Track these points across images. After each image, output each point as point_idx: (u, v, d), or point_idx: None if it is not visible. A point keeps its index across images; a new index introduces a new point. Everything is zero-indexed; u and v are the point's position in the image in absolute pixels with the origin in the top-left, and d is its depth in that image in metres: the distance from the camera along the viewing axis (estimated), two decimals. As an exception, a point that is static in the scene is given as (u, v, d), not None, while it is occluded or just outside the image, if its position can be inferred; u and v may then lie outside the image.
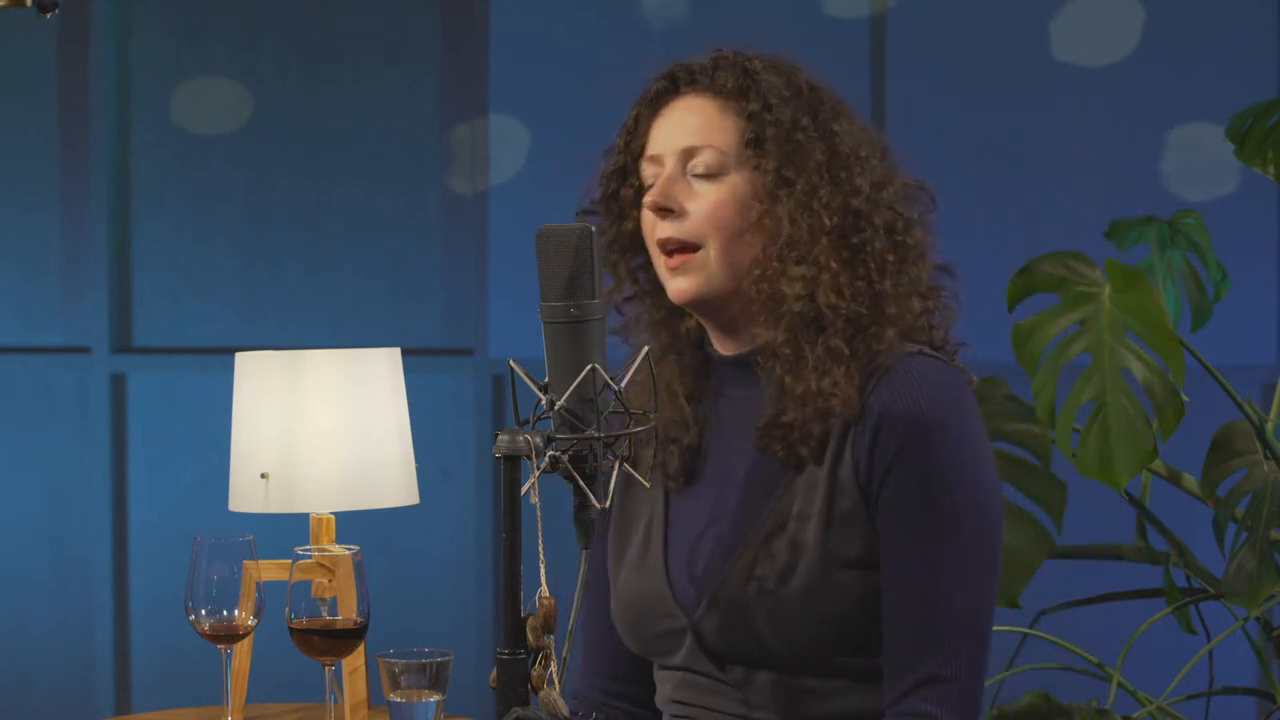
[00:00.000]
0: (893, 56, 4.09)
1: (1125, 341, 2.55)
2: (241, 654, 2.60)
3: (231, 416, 2.69)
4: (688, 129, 1.96)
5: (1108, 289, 2.60)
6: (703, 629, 1.95)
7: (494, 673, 1.67)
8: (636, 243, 2.02)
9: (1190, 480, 2.84)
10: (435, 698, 1.96)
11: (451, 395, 4.36)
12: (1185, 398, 2.53)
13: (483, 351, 4.35)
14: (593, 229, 1.73)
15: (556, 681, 1.68)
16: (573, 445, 1.70)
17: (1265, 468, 2.72)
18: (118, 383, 4.49)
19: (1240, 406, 2.74)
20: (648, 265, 2.02)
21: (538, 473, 1.68)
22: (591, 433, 1.70)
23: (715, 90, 1.96)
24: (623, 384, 1.73)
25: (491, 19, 4.33)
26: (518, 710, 1.64)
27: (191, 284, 4.48)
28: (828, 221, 1.92)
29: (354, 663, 2.59)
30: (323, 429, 2.62)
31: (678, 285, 1.95)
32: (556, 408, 1.70)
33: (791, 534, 1.91)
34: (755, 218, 1.93)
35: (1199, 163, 3.95)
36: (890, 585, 1.89)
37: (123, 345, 4.49)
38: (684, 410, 2.02)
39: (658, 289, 2.02)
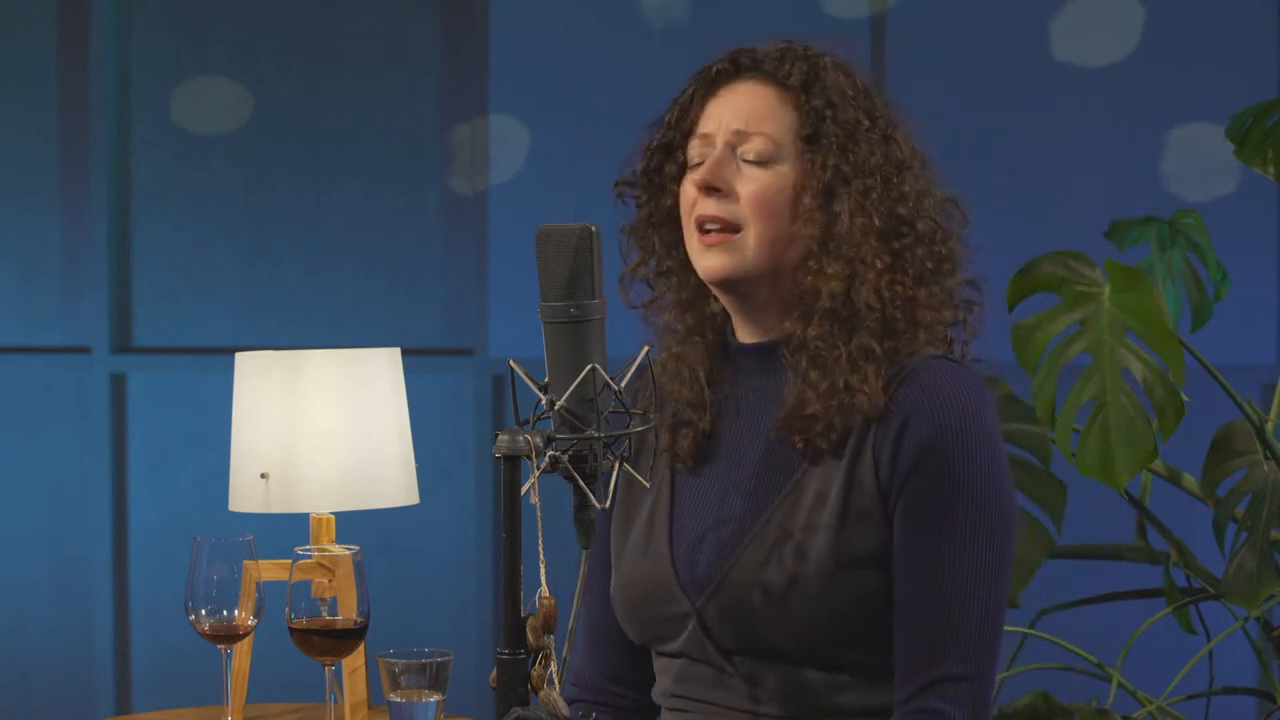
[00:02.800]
0: (893, 56, 4.09)
1: (1125, 341, 2.55)
2: (241, 654, 2.60)
3: (231, 416, 2.69)
4: (743, 113, 1.95)
5: (1108, 289, 2.60)
6: (706, 615, 1.95)
7: (494, 673, 1.67)
8: (672, 219, 2.01)
9: (1190, 480, 2.83)
10: (435, 698, 1.96)
11: (451, 395, 4.36)
12: (1185, 398, 2.53)
13: (483, 351, 4.34)
14: (592, 229, 1.73)
15: (556, 681, 1.68)
16: (573, 445, 1.70)
17: (1265, 468, 2.72)
18: (118, 383, 4.49)
19: (1240, 406, 2.74)
20: (679, 246, 2.01)
21: (538, 473, 1.68)
22: (591, 433, 1.70)
23: (778, 80, 1.96)
24: (622, 384, 1.73)
25: (491, 19, 4.33)
26: (518, 710, 1.64)
27: (191, 284, 4.48)
28: (877, 223, 1.92)
29: (354, 663, 2.59)
30: (323, 429, 2.62)
31: (710, 262, 1.95)
32: (556, 408, 1.70)
33: (802, 527, 1.92)
34: (804, 209, 1.93)
35: (1199, 163, 3.95)
36: (905, 584, 1.89)
37: (123, 345, 4.49)
38: (703, 393, 2.01)
39: (686, 268, 2.01)
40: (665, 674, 2.03)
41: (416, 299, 4.41)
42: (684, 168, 1.99)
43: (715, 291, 2.00)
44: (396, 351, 2.72)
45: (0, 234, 4.52)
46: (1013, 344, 2.65)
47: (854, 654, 1.92)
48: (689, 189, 1.96)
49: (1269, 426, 2.75)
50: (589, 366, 1.70)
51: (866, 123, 1.95)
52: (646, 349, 1.82)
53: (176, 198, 4.48)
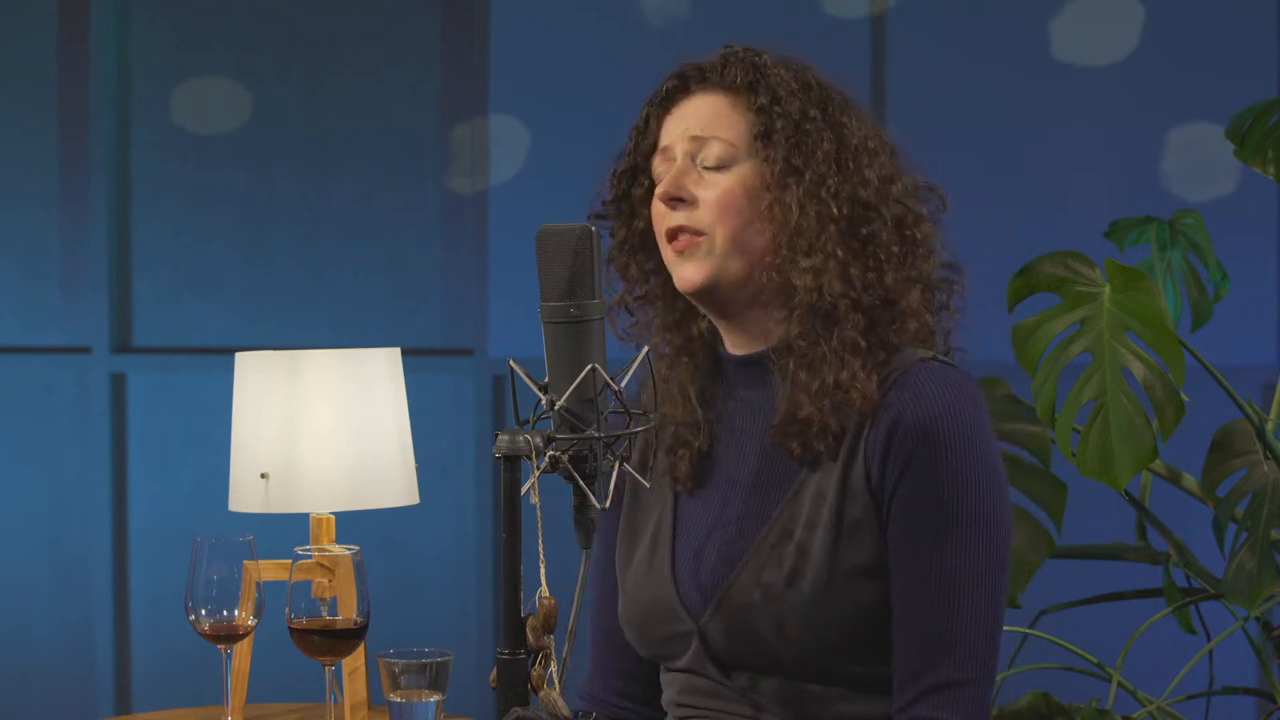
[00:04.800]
0: (893, 56, 4.09)
1: (1125, 341, 2.55)
2: (241, 654, 2.60)
3: (231, 416, 2.69)
4: (698, 121, 1.97)
5: (1108, 289, 2.60)
6: (708, 633, 1.96)
7: (494, 673, 1.67)
8: (647, 243, 2.03)
9: (1190, 480, 2.83)
10: (435, 698, 1.96)
11: (451, 395, 4.36)
12: (1185, 398, 2.53)
13: (483, 351, 4.34)
14: (593, 229, 1.73)
15: (556, 681, 1.68)
16: (573, 445, 1.70)
17: (1265, 468, 2.72)
18: (118, 383, 4.49)
19: (1240, 406, 2.74)
20: (659, 268, 2.03)
21: (538, 473, 1.68)
22: (591, 433, 1.70)
23: (725, 86, 1.98)
24: (623, 384, 1.73)
25: (491, 19, 4.33)
26: (518, 710, 1.64)
27: (191, 284, 4.48)
28: (836, 210, 1.93)
29: (354, 663, 2.59)
30: (323, 429, 2.62)
31: (684, 271, 1.96)
32: (556, 408, 1.70)
33: (799, 540, 1.91)
34: (764, 206, 1.94)
35: (1199, 163, 3.95)
36: (901, 591, 1.89)
37: (123, 345, 4.49)
38: (695, 413, 2.02)
39: (670, 291, 2.03)
40: (671, 685, 2.04)
41: (416, 299, 4.41)
42: (650, 191, 2.01)
43: (697, 304, 2.01)
44: (396, 351, 2.72)
45: (0, 234, 4.52)
46: (1013, 344, 2.65)
47: (853, 666, 1.92)
48: (658, 205, 1.98)
49: (1269, 426, 2.75)
50: (589, 366, 1.70)
51: (814, 112, 1.96)
52: (647, 349, 1.81)
53: (176, 198, 4.48)
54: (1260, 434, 2.73)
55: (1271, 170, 2.82)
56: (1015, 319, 2.68)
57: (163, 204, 4.49)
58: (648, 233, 2.02)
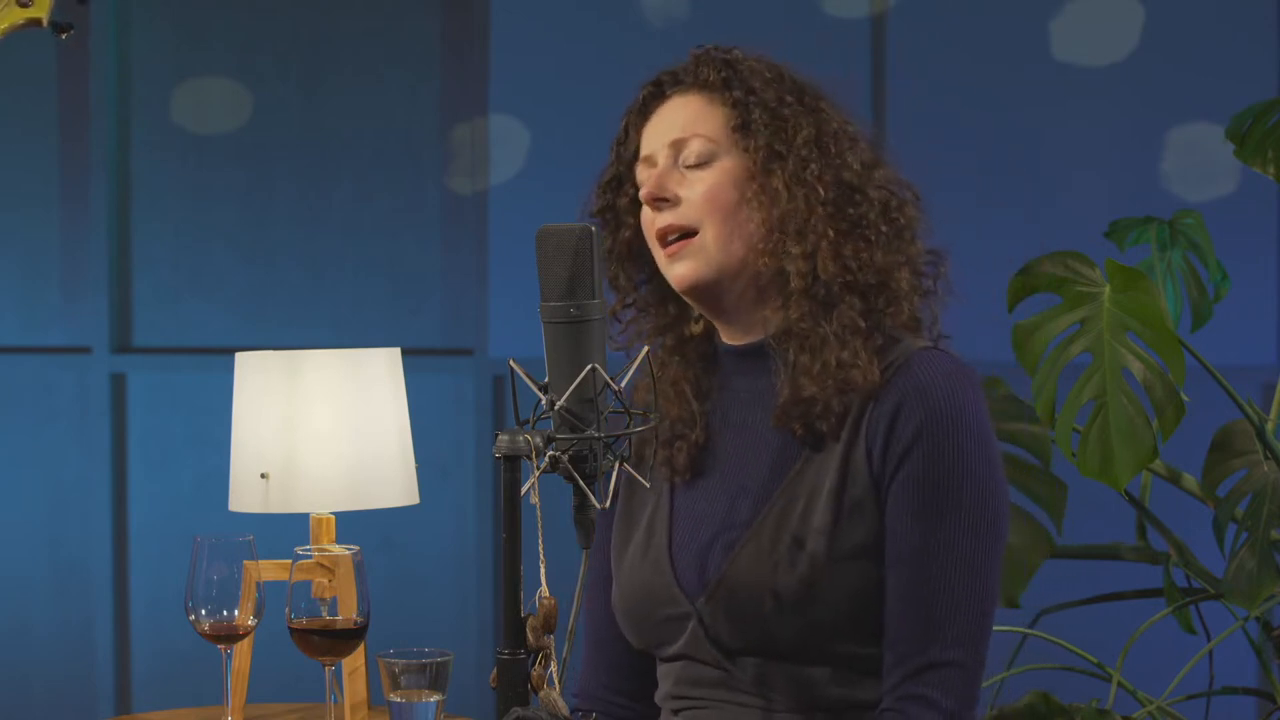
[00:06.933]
0: (893, 56, 4.09)
1: (1125, 341, 2.55)
2: (241, 654, 2.60)
3: (231, 416, 2.69)
4: (676, 123, 1.99)
5: (1108, 289, 2.60)
6: (705, 614, 1.96)
7: (494, 673, 1.67)
8: (635, 252, 2.04)
9: (1190, 480, 2.84)
10: (435, 698, 1.96)
11: (451, 395, 4.36)
12: (1185, 398, 2.53)
13: (483, 351, 4.34)
14: (593, 229, 1.74)
15: (556, 681, 1.68)
16: (573, 445, 1.70)
17: (1265, 468, 2.72)
18: (118, 383, 4.49)
19: (1240, 406, 2.74)
20: (650, 276, 2.04)
21: (538, 473, 1.68)
22: (591, 433, 1.70)
23: (700, 85, 1.99)
24: (623, 384, 1.74)
25: (491, 19, 4.33)
26: (518, 710, 1.64)
27: (191, 284, 4.48)
28: (822, 192, 1.94)
29: (354, 663, 2.59)
30: (323, 429, 2.62)
31: (678, 271, 1.97)
32: (556, 408, 1.70)
33: (798, 522, 1.92)
34: (750, 194, 1.95)
35: (1199, 163, 3.95)
36: (895, 571, 1.90)
37: (123, 345, 4.49)
38: (691, 407, 2.03)
39: (661, 299, 2.05)
40: (666, 678, 2.04)
41: (416, 299, 4.41)
42: (635, 199, 2.03)
43: (692, 302, 2.02)
44: (396, 351, 2.72)
45: (0, 234, 4.52)
46: (1013, 344, 2.65)
47: (853, 647, 1.92)
48: (646, 211, 1.99)
49: (1269, 426, 2.75)
50: (589, 366, 1.70)
51: (790, 99, 1.98)
52: (646, 349, 1.82)
53: (176, 198, 4.48)
54: (1260, 434, 2.73)
55: (1271, 170, 2.82)
56: (1015, 319, 2.69)
57: (163, 204, 4.49)
58: (634, 242, 2.04)
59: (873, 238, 1.96)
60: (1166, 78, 3.96)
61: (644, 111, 2.03)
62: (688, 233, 1.96)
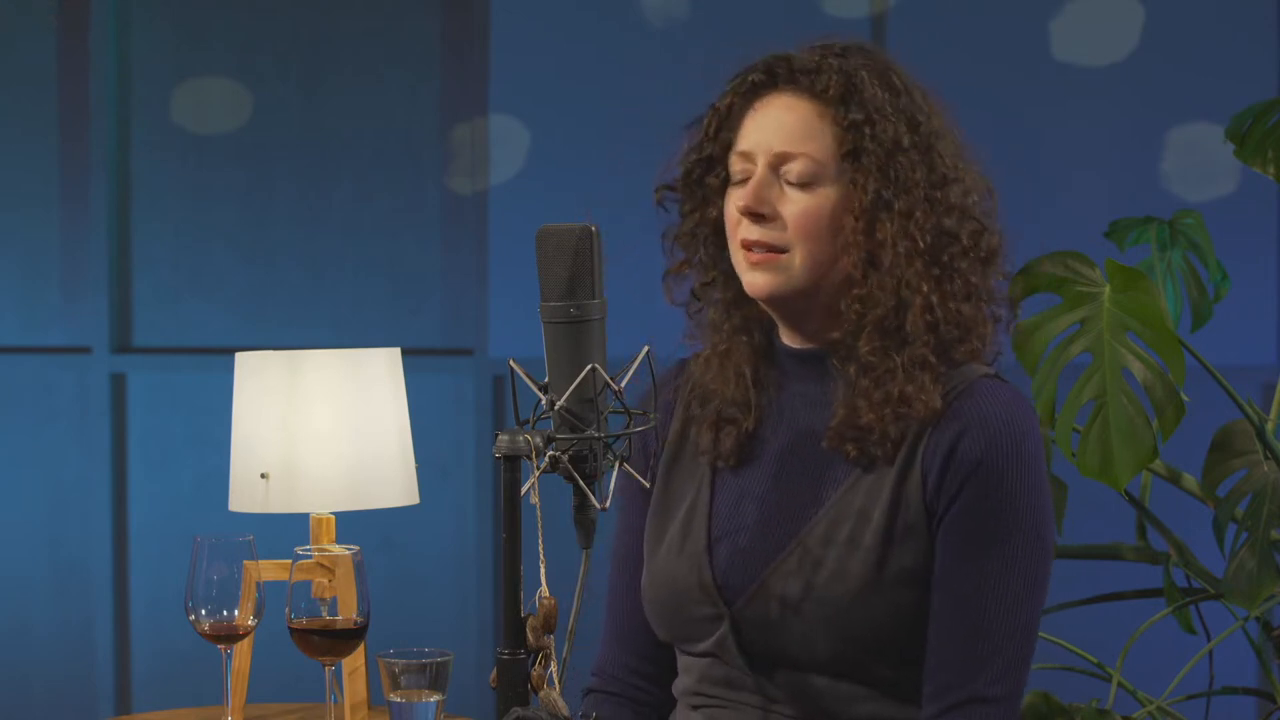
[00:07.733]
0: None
1: (1125, 341, 2.55)
2: (241, 654, 2.60)
3: (231, 416, 2.69)
4: (783, 131, 1.93)
5: (1108, 289, 2.60)
6: (740, 620, 1.94)
7: (494, 673, 1.67)
8: (716, 231, 1.99)
9: (1190, 480, 2.83)
10: (435, 698, 1.96)
11: (451, 395, 4.36)
12: (1185, 398, 2.53)
13: (483, 351, 4.34)
14: (593, 228, 1.73)
15: (556, 681, 1.68)
16: (573, 445, 1.70)
17: (1265, 468, 2.71)
18: (118, 383, 4.49)
19: (1240, 406, 2.74)
20: (726, 254, 1.99)
21: (538, 473, 1.68)
22: (591, 433, 1.70)
23: (815, 94, 1.93)
24: (623, 384, 1.73)
25: (491, 19, 4.33)
26: (518, 710, 1.64)
27: (191, 284, 4.48)
28: (921, 243, 1.91)
29: (354, 663, 2.59)
30: (323, 429, 2.62)
31: (755, 280, 1.93)
32: (556, 408, 1.70)
33: (847, 538, 1.91)
34: (849, 234, 1.91)
35: (1199, 163, 3.95)
36: (943, 601, 1.89)
37: (123, 345, 4.49)
38: (748, 393, 2.00)
39: (733, 274, 1.99)
40: (689, 672, 2.02)
41: (416, 299, 4.41)
42: (726, 182, 1.97)
43: (761, 303, 1.99)
44: (396, 351, 2.72)
45: (0, 234, 4.52)
46: (1013, 344, 2.65)
47: (885, 668, 1.91)
48: (733, 210, 1.95)
49: (1269, 426, 2.75)
50: (589, 366, 1.70)
51: (907, 137, 1.92)
52: (646, 349, 1.80)
53: (176, 198, 4.48)
54: (1260, 434, 2.73)
55: (1271, 170, 2.82)
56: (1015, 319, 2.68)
57: (163, 204, 4.49)
58: (718, 221, 1.98)
59: (959, 282, 1.93)
60: (1166, 78, 3.96)
61: (750, 97, 1.96)
62: (776, 249, 1.92)
